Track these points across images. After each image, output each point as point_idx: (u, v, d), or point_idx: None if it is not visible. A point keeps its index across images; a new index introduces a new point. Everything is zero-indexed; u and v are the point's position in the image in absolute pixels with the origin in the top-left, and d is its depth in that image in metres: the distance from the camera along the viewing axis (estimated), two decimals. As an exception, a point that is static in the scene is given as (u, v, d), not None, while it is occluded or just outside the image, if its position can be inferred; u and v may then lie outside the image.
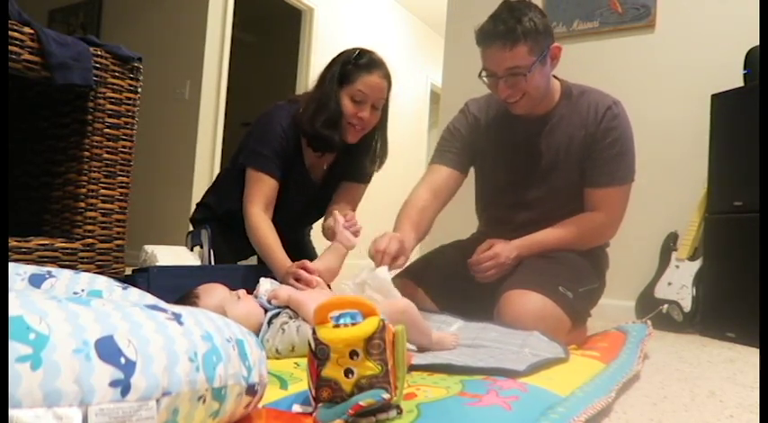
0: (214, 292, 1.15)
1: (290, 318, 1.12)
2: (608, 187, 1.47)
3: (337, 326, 0.71)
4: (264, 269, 1.55)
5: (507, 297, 1.32)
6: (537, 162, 1.51)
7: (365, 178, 1.80)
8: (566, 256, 1.45)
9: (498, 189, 1.61)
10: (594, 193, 1.48)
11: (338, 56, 1.64)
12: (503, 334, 1.23)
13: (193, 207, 1.90)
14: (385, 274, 1.24)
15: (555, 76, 1.52)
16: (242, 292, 1.19)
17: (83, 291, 0.95)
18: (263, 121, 1.69)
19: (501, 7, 1.38)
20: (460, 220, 1.77)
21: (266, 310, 1.16)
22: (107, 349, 0.49)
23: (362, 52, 1.60)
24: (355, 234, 1.51)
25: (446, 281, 1.55)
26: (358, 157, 1.73)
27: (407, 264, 1.66)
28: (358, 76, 1.56)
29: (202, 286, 1.17)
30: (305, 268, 1.37)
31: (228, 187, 1.76)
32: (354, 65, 1.57)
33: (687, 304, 2.08)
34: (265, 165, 1.62)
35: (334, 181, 1.79)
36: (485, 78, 1.43)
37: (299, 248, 1.79)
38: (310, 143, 1.66)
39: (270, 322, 1.13)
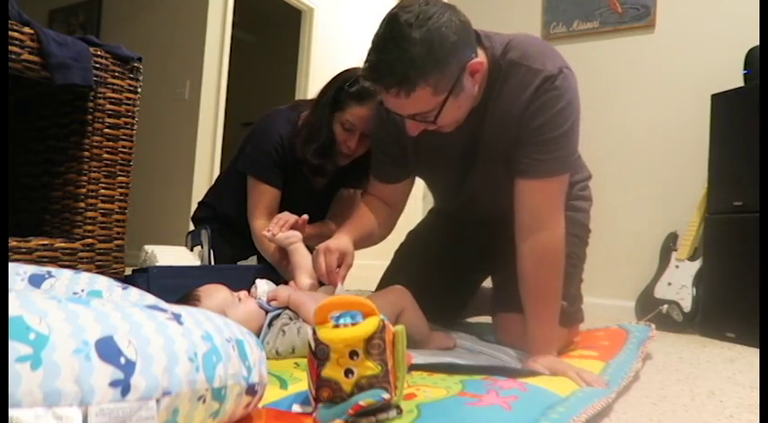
0: (215, 295, 1.14)
1: (291, 319, 1.12)
2: (541, 179, 1.16)
3: (337, 326, 0.71)
4: (264, 269, 1.55)
5: (506, 321, 1.27)
6: (474, 161, 1.29)
7: (364, 185, 1.75)
8: None
9: (443, 193, 1.53)
10: (526, 186, 1.18)
11: (336, 78, 1.58)
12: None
13: (194, 207, 1.90)
14: (341, 293, 1.22)
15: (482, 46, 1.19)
16: (243, 293, 1.19)
17: (82, 291, 0.95)
18: (261, 127, 1.68)
19: (383, 33, 1.03)
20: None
21: (266, 312, 1.16)
22: (107, 349, 0.49)
23: (359, 79, 1.50)
24: (294, 227, 1.42)
25: (420, 286, 1.37)
26: (360, 166, 1.67)
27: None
28: (348, 105, 1.51)
29: (203, 288, 1.16)
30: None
31: (228, 189, 1.76)
32: (347, 92, 1.51)
33: (687, 304, 2.08)
34: (264, 174, 1.61)
35: (336, 189, 1.78)
36: (392, 111, 1.16)
37: None
38: (304, 167, 1.63)
39: (270, 324, 1.13)
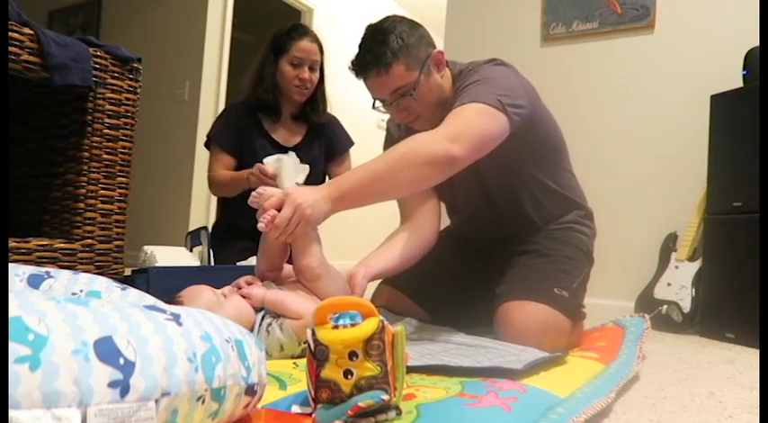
0: (199, 298, 1.08)
1: (273, 318, 1.09)
2: (459, 105, 1.26)
3: (336, 327, 0.71)
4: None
5: (505, 310, 1.26)
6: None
7: (342, 151, 2.05)
8: (548, 248, 1.41)
9: (447, 206, 1.61)
10: (454, 109, 1.28)
11: (274, 34, 1.92)
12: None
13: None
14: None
15: (448, 65, 1.42)
16: (227, 289, 1.14)
17: (81, 291, 0.95)
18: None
19: (365, 35, 1.34)
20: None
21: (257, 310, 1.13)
22: (106, 350, 0.49)
23: (294, 25, 1.91)
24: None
25: (431, 284, 1.48)
26: (325, 134, 2.00)
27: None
28: (292, 44, 1.86)
29: (185, 291, 1.11)
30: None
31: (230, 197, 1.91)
32: (287, 36, 1.87)
33: (686, 305, 2.08)
34: (218, 140, 1.92)
35: (307, 155, 1.91)
36: (379, 108, 1.38)
37: None
38: (258, 110, 1.92)
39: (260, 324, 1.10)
